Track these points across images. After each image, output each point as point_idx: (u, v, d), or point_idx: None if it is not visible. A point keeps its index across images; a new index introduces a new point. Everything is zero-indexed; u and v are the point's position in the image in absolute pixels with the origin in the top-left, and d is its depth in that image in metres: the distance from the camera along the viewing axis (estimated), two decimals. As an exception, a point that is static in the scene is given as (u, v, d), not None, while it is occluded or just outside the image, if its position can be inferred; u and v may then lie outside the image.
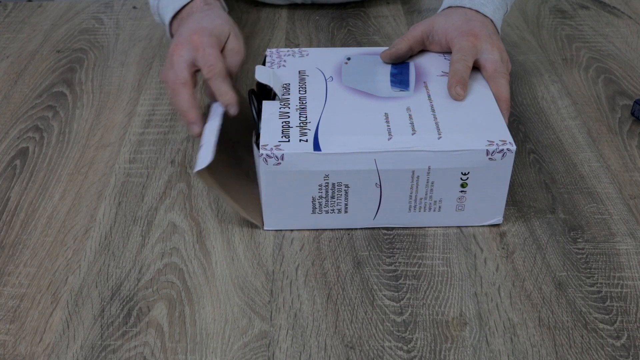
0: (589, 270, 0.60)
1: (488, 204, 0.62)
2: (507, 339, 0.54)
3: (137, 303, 0.57)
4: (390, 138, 0.60)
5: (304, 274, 0.60)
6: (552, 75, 0.87)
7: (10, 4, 1.09)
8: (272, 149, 0.59)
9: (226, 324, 0.56)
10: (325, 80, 0.68)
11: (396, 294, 0.58)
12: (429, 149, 0.59)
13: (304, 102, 0.65)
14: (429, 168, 0.60)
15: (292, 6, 1.05)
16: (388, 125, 0.61)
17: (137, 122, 0.79)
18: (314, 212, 0.62)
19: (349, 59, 0.72)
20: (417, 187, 0.61)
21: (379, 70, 0.70)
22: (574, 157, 0.73)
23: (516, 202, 0.67)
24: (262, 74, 0.66)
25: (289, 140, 0.60)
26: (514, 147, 0.59)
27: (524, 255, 0.61)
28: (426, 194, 0.61)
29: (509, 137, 0.60)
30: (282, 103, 0.65)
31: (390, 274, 0.60)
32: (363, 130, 0.61)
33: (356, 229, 0.64)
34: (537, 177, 0.70)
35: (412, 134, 0.60)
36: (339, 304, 0.57)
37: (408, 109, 0.64)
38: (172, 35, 0.80)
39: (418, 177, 0.60)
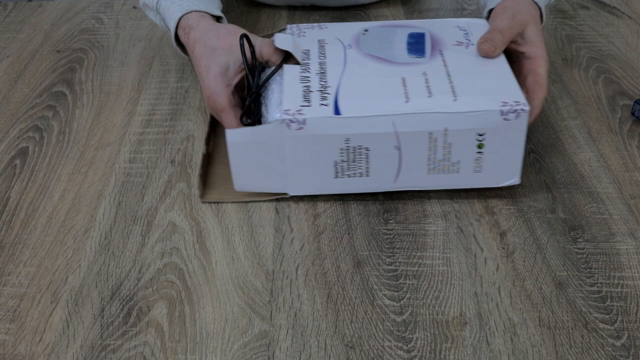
0: (589, 270, 0.60)
1: (505, 165, 0.64)
2: (507, 339, 0.54)
3: (137, 303, 0.57)
4: (408, 101, 0.62)
5: (304, 273, 0.60)
6: (552, 75, 0.87)
7: (10, 3, 1.09)
8: (294, 113, 0.60)
9: (226, 323, 0.56)
10: (344, 47, 0.70)
11: (396, 293, 0.58)
12: (445, 111, 0.61)
13: (324, 67, 0.67)
14: (446, 129, 0.61)
15: (292, 6, 1.05)
16: (405, 89, 0.63)
17: (137, 121, 0.79)
18: (336, 176, 0.64)
19: (366, 30, 0.74)
20: (435, 149, 0.62)
21: (395, 39, 0.72)
22: (574, 157, 0.73)
23: (516, 202, 0.67)
24: (281, 41, 0.68)
25: (310, 105, 0.62)
26: (527, 107, 0.61)
27: (524, 255, 0.61)
28: (444, 156, 0.63)
29: (522, 99, 0.62)
30: (303, 68, 0.66)
31: (391, 274, 0.60)
32: (381, 94, 0.63)
33: (377, 193, 0.64)
34: (537, 177, 0.70)
35: (429, 97, 0.62)
36: (339, 303, 0.57)
37: (424, 74, 0.65)
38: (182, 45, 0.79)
39: (436, 138, 0.62)
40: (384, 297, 0.57)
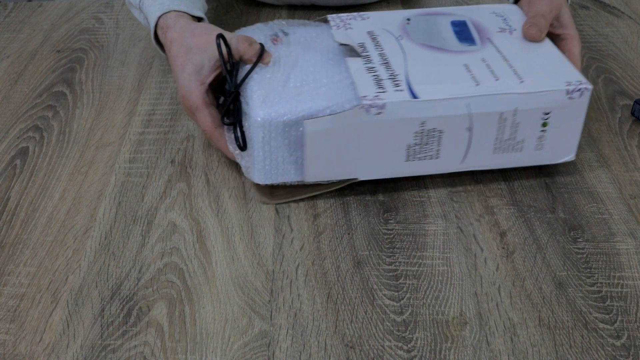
0: (589, 270, 0.60)
1: (564, 142, 0.67)
2: (507, 339, 0.54)
3: (137, 303, 0.57)
4: (478, 84, 0.64)
5: (304, 273, 0.60)
6: (552, 75, 0.87)
7: (10, 4, 1.09)
8: (372, 99, 0.62)
9: (226, 323, 0.56)
10: (396, 38, 0.71)
11: (396, 293, 0.58)
12: (516, 92, 0.63)
13: (385, 58, 0.68)
14: (516, 109, 0.64)
15: (292, 6, 1.05)
16: (471, 74, 0.65)
17: (137, 121, 0.79)
18: (407, 159, 0.65)
19: (408, 19, 0.75)
20: (503, 128, 0.65)
21: (441, 28, 0.73)
22: (574, 157, 0.73)
23: (516, 202, 0.67)
24: (340, 37, 0.70)
25: (385, 91, 0.63)
26: (590, 86, 0.64)
27: (524, 255, 0.61)
28: (510, 135, 0.65)
29: (583, 78, 0.65)
30: (365, 60, 0.68)
31: (391, 274, 0.60)
32: (451, 79, 0.65)
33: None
34: (537, 177, 0.70)
35: (496, 80, 0.65)
36: (339, 303, 0.57)
37: (483, 60, 0.68)
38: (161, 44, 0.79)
39: (505, 119, 0.64)
40: (384, 297, 0.57)
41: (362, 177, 0.67)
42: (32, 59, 0.93)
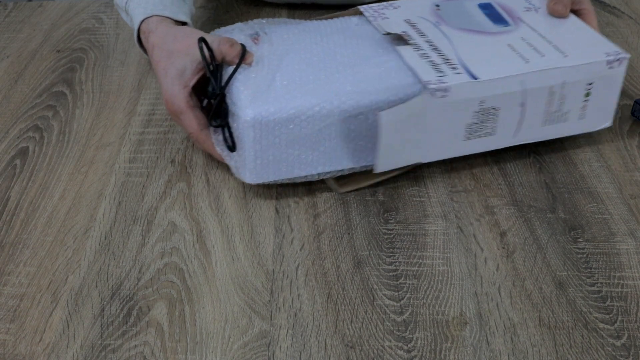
0: (589, 270, 0.60)
1: (602, 110, 0.71)
2: (507, 339, 0.54)
3: (137, 302, 0.57)
4: (527, 62, 0.67)
5: (304, 273, 0.60)
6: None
7: (10, 3, 1.09)
8: (436, 82, 0.63)
9: (226, 323, 0.56)
10: (434, 24, 0.73)
11: (396, 293, 0.58)
12: (563, 65, 0.67)
13: (433, 44, 0.70)
14: (564, 82, 0.67)
15: (293, 6, 1.05)
16: (518, 53, 0.68)
17: (137, 121, 0.79)
18: (466, 138, 0.68)
19: (437, 6, 0.77)
20: (552, 101, 0.68)
21: (471, 12, 0.76)
22: (574, 156, 0.73)
23: (516, 202, 0.67)
24: (388, 28, 0.71)
25: (446, 75, 0.65)
26: (628, 55, 0.69)
27: (524, 254, 0.61)
28: (558, 107, 0.69)
29: (619, 48, 0.70)
30: (414, 47, 0.69)
31: (391, 274, 0.60)
32: (501, 59, 0.68)
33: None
34: (537, 177, 0.70)
35: (542, 57, 0.68)
36: (339, 303, 0.57)
37: (523, 39, 0.71)
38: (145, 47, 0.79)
39: (554, 92, 0.68)
40: (384, 297, 0.57)
41: (425, 160, 0.68)
42: (32, 59, 0.93)
